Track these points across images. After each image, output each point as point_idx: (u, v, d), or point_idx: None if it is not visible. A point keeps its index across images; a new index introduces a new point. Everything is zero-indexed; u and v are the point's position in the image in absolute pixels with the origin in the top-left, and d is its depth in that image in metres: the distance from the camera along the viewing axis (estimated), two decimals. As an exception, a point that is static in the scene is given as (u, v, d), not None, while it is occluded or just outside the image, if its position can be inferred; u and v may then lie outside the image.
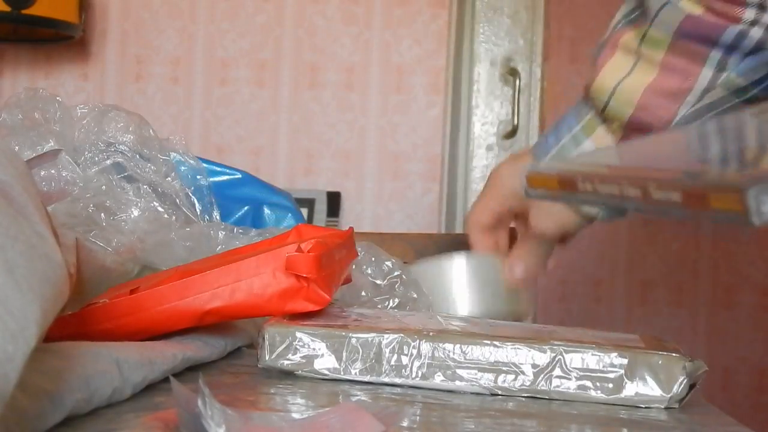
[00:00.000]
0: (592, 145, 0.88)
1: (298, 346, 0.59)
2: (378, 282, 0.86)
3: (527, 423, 0.51)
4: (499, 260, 0.93)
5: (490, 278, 0.92)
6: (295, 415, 0.46)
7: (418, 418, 0.50)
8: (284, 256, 0.60)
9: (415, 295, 0.86)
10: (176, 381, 0.39)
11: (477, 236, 0.95)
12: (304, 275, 0.60)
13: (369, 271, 0.86)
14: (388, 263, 0.87)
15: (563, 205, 0.89)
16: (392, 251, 0.91)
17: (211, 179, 0.97)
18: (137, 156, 0.87)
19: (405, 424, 0.48)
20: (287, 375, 0.60)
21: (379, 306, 0.85)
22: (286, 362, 0.59)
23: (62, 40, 2.37)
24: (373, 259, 0.86)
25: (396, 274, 0.86)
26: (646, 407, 0.57)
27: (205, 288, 0.61)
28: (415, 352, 0.58)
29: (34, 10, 2.13)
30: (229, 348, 0.66)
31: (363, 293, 0.84)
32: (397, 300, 0.86)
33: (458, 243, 0.98)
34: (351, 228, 0.75)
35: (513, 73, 2.52)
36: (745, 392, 2.49)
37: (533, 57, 2.53)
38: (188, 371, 0.58)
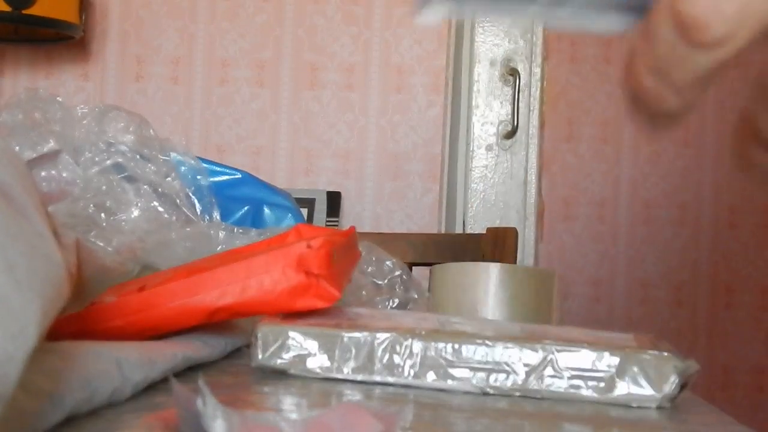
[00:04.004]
0: None
1: (290, 345, 0.59)
2: (378, 282, 0.86)
3: (519, 422, 0.51)
4: (531, 272, 0.89)
5: (520, 291, 0.88)
6: (295, 415, 0.46)
7: (411, 417, 0.50)
8: (295, 254, 0.60)
9: (415, 295, 0.86)
10: (176, 381, 0.39)
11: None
12: (315, 272, 0.60)
13: (370, 271, 0.86)
14: (389, 263, 0.87)
15: None
16: (392, 251, 0.91)
17: (211, 179, 0.97)
18: (137, 156, 0.87)
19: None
20: (287, 375, 0.60)
21: (380, 306, 0.85)
22: (278, 361, 0.59)
23: (63, 40, 2.37)
24: (373, 258, 0.86)
25: (396, 274, 0.86)
26: (639, 407, 0.56)
27: (215, 285, 0.61)
28: (407, 351, 0.58)
29: (34, 10, 2.13)
30: (229, 348, 0.66)
31: (363, 293, 0.84)
32: (397, 300, 0.86)
33: (459, 243, 0.98)
34: (353, 227, 0.75)
35: (513, 73, 2.52)
36: (745, 392, 2.49)
37: (533, 57, 2.53)
38: (188, 371, 0.58)
